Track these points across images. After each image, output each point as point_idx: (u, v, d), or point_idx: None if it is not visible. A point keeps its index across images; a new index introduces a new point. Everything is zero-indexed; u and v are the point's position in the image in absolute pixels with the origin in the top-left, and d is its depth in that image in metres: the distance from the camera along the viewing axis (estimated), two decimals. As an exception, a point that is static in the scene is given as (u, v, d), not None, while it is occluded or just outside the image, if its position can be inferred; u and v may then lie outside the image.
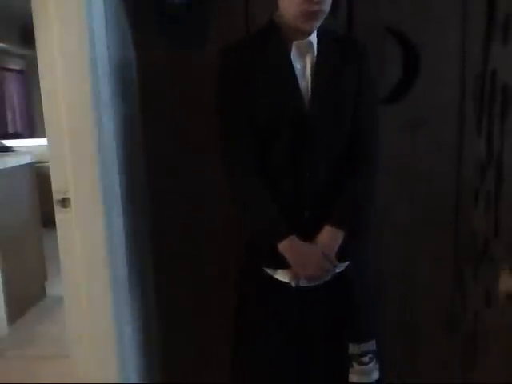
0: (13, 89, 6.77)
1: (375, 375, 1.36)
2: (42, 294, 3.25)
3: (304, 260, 1.30)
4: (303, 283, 1.32)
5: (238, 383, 1.47)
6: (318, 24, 1.24)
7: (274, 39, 1.28)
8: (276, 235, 1.29)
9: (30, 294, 3.14)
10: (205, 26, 1.64)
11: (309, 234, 1.30)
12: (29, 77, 6.65)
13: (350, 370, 1.36)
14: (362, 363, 1.35)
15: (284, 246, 1.29)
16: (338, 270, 1.33)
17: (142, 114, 1.72)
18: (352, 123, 1.31)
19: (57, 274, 2.74)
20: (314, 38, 1.27)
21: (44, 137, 1.54)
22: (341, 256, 1.32)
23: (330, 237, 1.30)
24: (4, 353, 2.57)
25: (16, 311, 2.92)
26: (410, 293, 1.79)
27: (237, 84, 1.28)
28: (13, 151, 3.57)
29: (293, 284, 1.32)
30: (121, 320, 1.56)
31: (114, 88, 1.53)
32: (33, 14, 1.47)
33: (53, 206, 1.52)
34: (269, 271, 1.35)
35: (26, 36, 5.57)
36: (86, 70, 1.40)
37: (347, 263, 1.35)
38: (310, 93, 1.26)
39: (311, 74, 1.26)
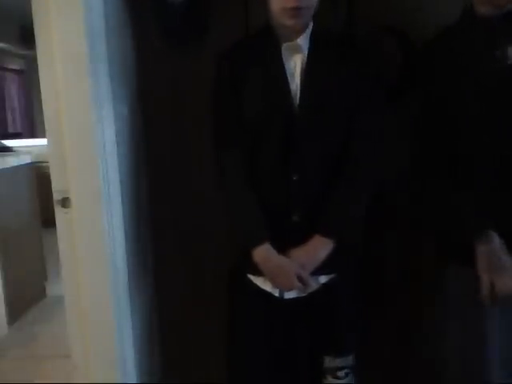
0: (13, 89, 6.76)
1: None
2: (42, 294, 3.25)
3: (275, 273, 1.25)
4: (288, 295, 1.27)
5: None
6: (301, 21, 1.21)
7: (268, 41, 1.27)
8: (251, 241, 1.26)
9: (30, 294, 3.13)
10: (205, 25, 1.64)
11: (298, 240, 1.25)
12: (29, 77, 6.64)
13: (323, 381, 1.33)
14: (336, 377, 1.32)
15: (257, 254, 1.25)
16: (322, 282, 1.29)
17: (142, 114, 1.72)
18: (349, 125, 1.26)
19: (57, 274, 2.75)
20: (304, 39, 1.24)
21: (44, 137, 1.54)
22: (327, 268, 1.27)
23: (317, 247, 1.25)
24: (4, 353, 2.57)
25: (16, 311, 2.92)
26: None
27: (230, 85, 1.28)
28: (13, 151, 3.56)
29: (276, 294, 1.28)
30: (121, 320, 1.56)
31: (114, 88, 1.53)
32: (33, 14, 1.47)
33: (53, 206, 1.52)
34: (252, 278, 1.32)
35: (26, 36, 5.56)
36: (86, 70, 1.40)
37: (333, 275, 1.30)
38: (298, 94, 1.24)
39: (301, 76, 1.24)
